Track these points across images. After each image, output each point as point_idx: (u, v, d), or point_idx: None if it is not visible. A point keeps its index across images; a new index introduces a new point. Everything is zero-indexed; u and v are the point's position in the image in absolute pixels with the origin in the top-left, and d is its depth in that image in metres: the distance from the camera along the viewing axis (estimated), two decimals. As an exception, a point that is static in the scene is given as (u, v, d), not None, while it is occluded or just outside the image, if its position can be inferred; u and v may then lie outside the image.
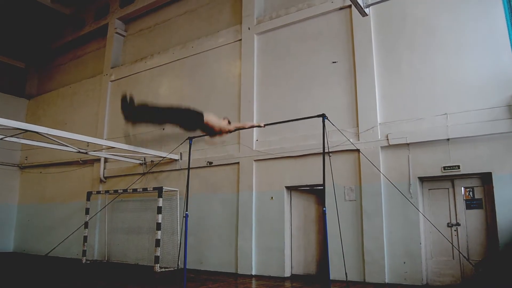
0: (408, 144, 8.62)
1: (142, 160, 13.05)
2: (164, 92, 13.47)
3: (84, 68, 16.89)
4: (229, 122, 7.45)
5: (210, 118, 7.02)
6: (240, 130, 10.35)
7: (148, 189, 11.81)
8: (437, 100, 8.49)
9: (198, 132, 7.92)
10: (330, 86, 9.97)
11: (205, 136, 7.38)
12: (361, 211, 8.89)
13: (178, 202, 11.78)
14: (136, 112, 7.04)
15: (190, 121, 6.93)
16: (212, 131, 7.09)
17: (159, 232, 10.99)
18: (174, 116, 7.06)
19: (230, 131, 7.05)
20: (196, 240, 11.14)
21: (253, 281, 9.25)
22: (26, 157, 17.36)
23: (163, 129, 12.93)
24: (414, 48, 9.01)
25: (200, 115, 6.97)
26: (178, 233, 11.45)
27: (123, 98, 7.13)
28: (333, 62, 10.03)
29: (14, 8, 16.06)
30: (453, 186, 8.37)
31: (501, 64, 7.95)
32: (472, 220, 8.08)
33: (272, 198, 10.22)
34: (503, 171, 7.61)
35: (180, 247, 10.23)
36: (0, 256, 15.09)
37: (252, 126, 7.06)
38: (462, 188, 8.28)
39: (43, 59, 19.00)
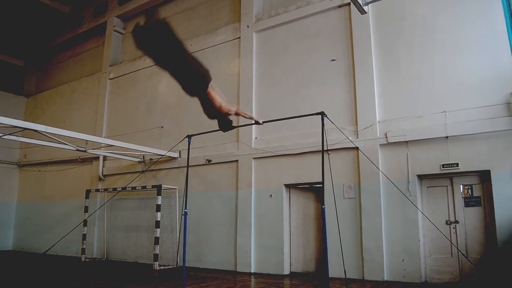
0: (407, 142, 8.62)
1: (141, 158, 13.04)
2: (163, 90, 13.45)
3: (83, 66, 16.87)
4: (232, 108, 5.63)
5: (215, 91, 5.48)
6: (239, 128, 10.37)
7: (147, 187, 11.81)
8: (436, 98, 8.49)
9: (195, 97, 5.79)
10: (329, 84, 9.97)
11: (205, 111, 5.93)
12: (360, 209, 8.91)
13: (177, 200, 11.78)
14: (148, 39, 4.92)
15: (193, 81, 5.29)
16: (211, 105, 5.50)
17: (158, 230, 11.00)
18: (182, 68, 5.11)
19: (230, 112, 5.53)
20: (195, 238, 11.14)
21: (252, 279, 9.26)
22: (25, 155, 17.34)
23: (162, 127, 12.95)
24: (413, 46, 9.00)
25: (205, 81, 5.36)
26: (177, 231, 11.45)
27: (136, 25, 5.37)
28: (332, 60, 10.02)
29: (12, 7, 16.01)
30: (451, 184, 8.38)
31: (499, 62, 7.95)
32: (470, 217, 8.09)
33: (271, 196, 10.22)
34: (501, 168, 7.62)
35: (179, 245, 10.23)
36: (-1, 254, 15.10)
37: (251, 118, 6.12)
38: (461, 186, 8.30)
39: (42, 57, 18.97)
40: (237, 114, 5.70)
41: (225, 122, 5.67)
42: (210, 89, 5.29)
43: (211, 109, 5.45)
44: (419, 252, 8.18)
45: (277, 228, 9.98)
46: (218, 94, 5.41)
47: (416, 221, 8.28)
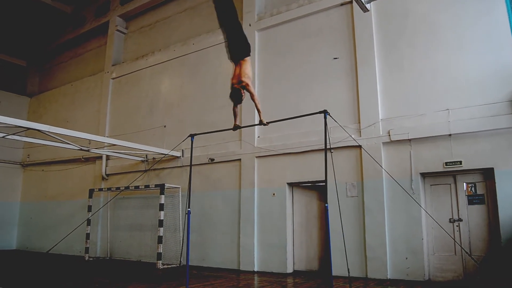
0: (410, 140, 8.61)
1: (144, 157, 13.07)
2: (165, 89, 13.47)
3: (85, 66, 16.91)
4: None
5: (247, 66, 6.48)
6: (241, 129, 10.34)
7: (150, 186, 11.84)
8: (438, 95, 8.47)
9: (233, 60, 6.69)
10: (331, 82, 9.96)
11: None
12: (363, 207, 8.90)
13: (180, 199, 11.80)
14: None
15: (238, 43, 6.43)
16: (239, 79, 6.38)
17: (162, 229, 11.02)
18: (236, 30, 6.51)
19: (248, 87, 6.33)
20: (199, 237, 11.16)
21: (256, 278, 9.27)
22: (28, 155, 17.41)
23: (165, 126, 12.98)
24: (415, 43, 8.98)
25: (246, 48, 6.53)
26: (181, 230, 11.49)
27: None
28: (335, 58, 10.01)
29: (15, 7, 16.06)
30: (455, 182, 8.36)
31: (502, 59, 7.93)
32: (474, 215, 8.07)
33: (274, 194, 10.23)
34: (505, 166, 7.60)
35: (182, 244, 10.27)
36: (3, 254, 15.16)
37: (259, 113, 6.74)
38: (464, 183, 8.28)
39: (44, 57, 19.03)
40: (252, 95, 6.26)
41: (237, 94, 6.37)
42: (247, 59, 6.31)
43: (237, 78, 6.29)
44: (422, 250, 8.17)
45: (280, 226, 9.99)
46: (250, 69, 6.41)
47: (420, 219, 8.27)
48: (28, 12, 16.56)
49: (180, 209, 11.73)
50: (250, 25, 11.55)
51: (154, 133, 13.20)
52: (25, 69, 19.19)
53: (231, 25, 6.53)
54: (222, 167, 11.35)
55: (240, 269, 10.29)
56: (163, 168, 12.63)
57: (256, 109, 6.66)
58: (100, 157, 14.31)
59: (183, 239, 10.87)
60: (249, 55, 6.46)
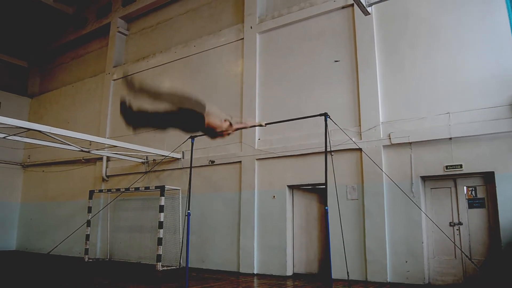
0: (410, 143, 8.61)
1: (144, 159, 13.08)
2: (165, 90, 13.46)
3: (87, 67, 16.93)
4: (230, 124, 6.15)
5: (212, 120, 5.88)
6: (242, 130, 10.36)
7: (150, 188, 11.83)
8: (439, 99, 8.47)
9: (200, 133, 7.04)
10: (332, 85, 9.96)
11: (207, 135, 6.55)
12: (363, 210, 8.89)
13: (180, 201, 11.80)
14: (136, 117, 6.04)
15: (191, 124, 5.85)
16: (213, 132, 6.05)
17: (161, 230, 11.01)
18: (175, 120, 5.90)
19: (230, 133, 6.09)
20: (198, 239, 11.16)
21: (255, 280, 9.26)
22: (29, 155, 17.41)
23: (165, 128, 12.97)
24: (416, 46, 8.99)
25: (201, 118, 5.79)
26: (180, 232, 11.48)
27: (122, 103, 6.02)
28: (335, 61, 10.02)
29: (16, 7, 16.09)
30: (455, 185, 8.36)
31: (504, 63, 7.93)
32: (474, 219, 8.06)
33: (274, 197, 10.22)
34: (505, 170, 7.59)
35: (182, 246, 10.26)
36: (3, 255, 15.16)
37: (253, 126, 6.46)
38: (465, 187, 8.27)
39: (46, 58, 19.05)
40: (239, 129, 6.03)
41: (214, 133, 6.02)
42: (207, 122, 5.64)
43: (215, 135, 5.88)
44: (422, 253, 8.16)
45: (280, 229, 9.98)
46: (216, 122, 5.70)
47: (420, 222, 8.26)
48: (29, 13, 16.59)
49: (180, 211, 11.72)
50: (251, 27, 11.57)
51: (154, 135, 13.18)
52: (26, 70, 19.20)
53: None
54: (223, 169, 11.35)
55: (240, 271, 10.27)
56: (164, 170, 12.63)
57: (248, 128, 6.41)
58: (100, 159, 14.32)
59: (182, 241, 10.86)
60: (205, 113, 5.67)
